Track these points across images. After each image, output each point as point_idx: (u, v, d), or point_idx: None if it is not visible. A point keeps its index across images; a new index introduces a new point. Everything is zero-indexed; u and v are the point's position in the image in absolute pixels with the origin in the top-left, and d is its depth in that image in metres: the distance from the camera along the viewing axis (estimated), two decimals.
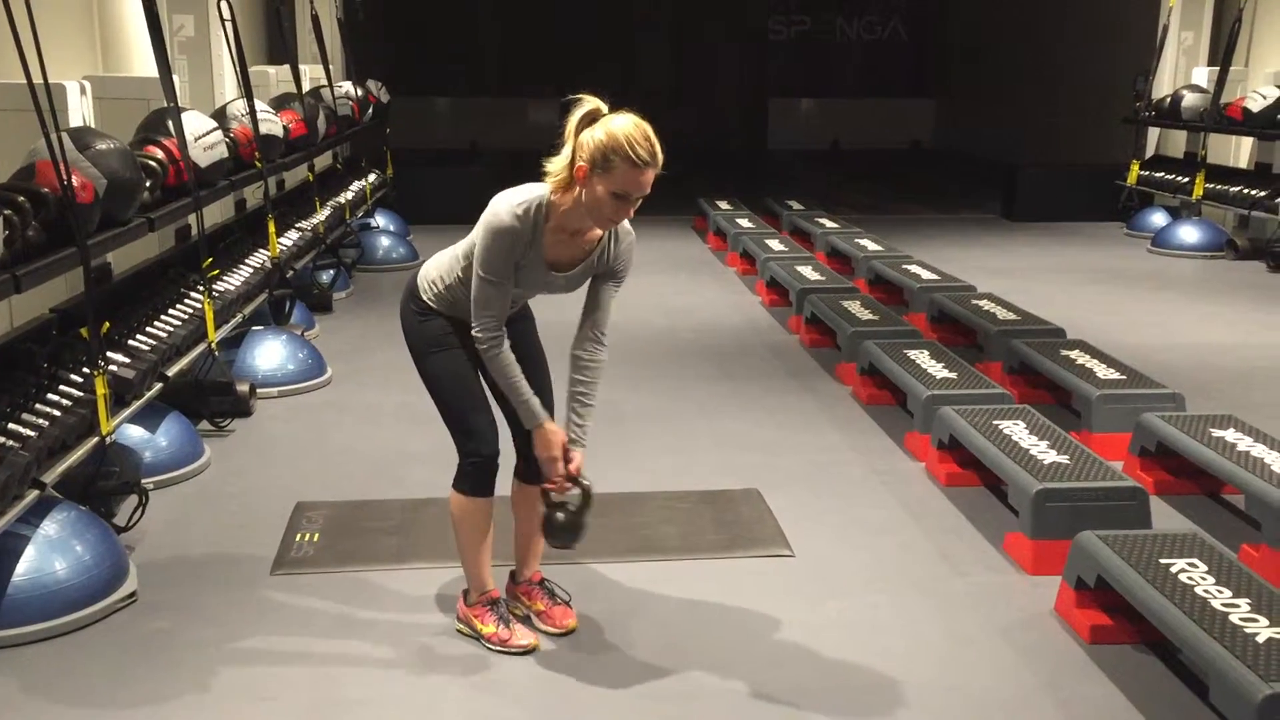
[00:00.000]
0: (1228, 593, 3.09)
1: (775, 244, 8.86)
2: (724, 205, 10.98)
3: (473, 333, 3.04)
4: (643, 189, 2.88)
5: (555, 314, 3.52)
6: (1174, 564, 3.25)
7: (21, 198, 3.67)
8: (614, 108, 2.92)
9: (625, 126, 2.85)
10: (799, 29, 20.23)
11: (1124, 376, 5.16)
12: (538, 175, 3.07)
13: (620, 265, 3.13)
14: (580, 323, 3.16)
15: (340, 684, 3.09)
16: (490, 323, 3.02)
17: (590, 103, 2.91)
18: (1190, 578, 3.18)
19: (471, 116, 18.57)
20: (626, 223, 3.06)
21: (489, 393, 3.22)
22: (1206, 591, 3.10)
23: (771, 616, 3.47)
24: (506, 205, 2.95)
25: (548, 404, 3.24)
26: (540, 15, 19.16)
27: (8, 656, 3.18)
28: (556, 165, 2.95)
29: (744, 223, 10.00)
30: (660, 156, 2.87)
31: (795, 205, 11.17)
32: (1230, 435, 4.33)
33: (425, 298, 3.17)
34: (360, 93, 10.04)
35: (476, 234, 3.01)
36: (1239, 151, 10.89)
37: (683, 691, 3.06)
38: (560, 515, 3.13)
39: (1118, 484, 3.89)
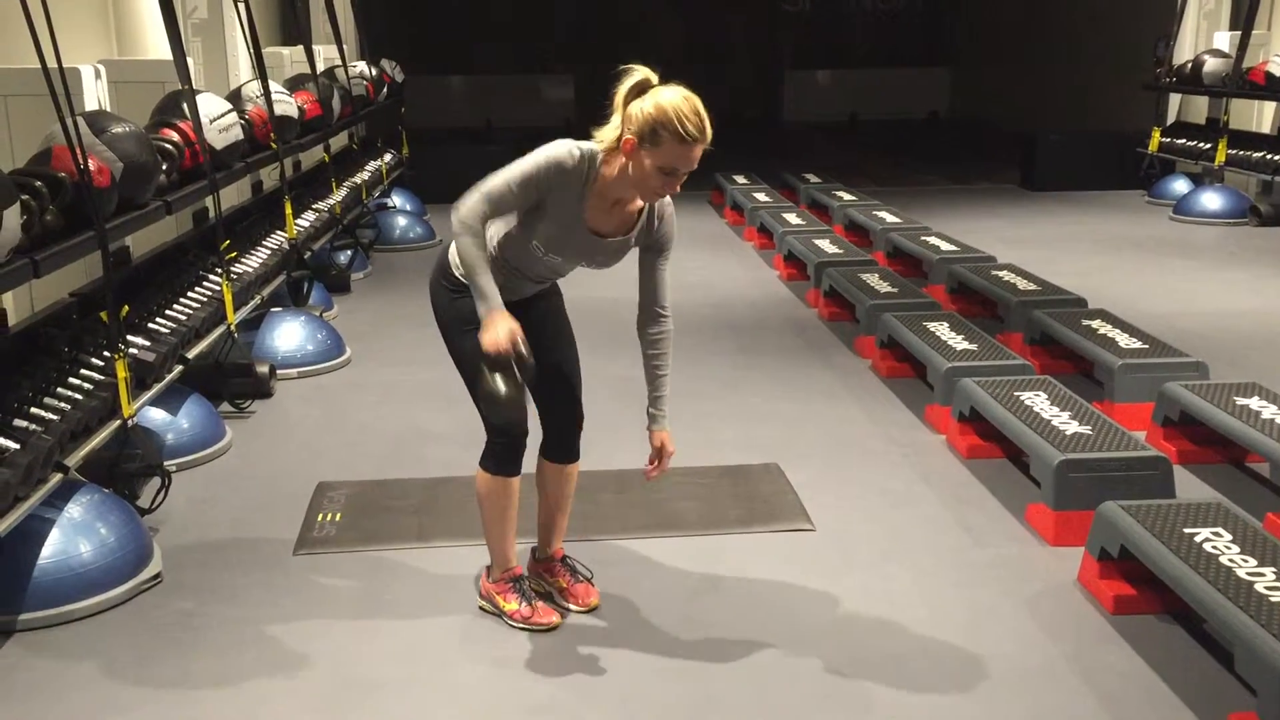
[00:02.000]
0: (1253, 561, 3.07)
1: (793, 218, 8.82)
2: (741, 179, 10.94)
3: (453, 210, 2.91)
4: (690, 164, 2.85)
5: (582, 291, 3.51)
6: (1198, 533, 3.23)
7: (39, 183, 3.68)
8: (663, 79, 2.88)
9: (674, 100, 2.81)
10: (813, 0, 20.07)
11: (1146, 346, 5.12)
12: None
13: (664, 238, 3.09)
14: (640, 302, 3.13)
15: (364, 663, 3.10)
16: (476, 208, 2.89)
17: (640, 73, 2.87)
18: (1215, 547, 3.16)
19: (486, 95, 18.51)
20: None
21: (518, 372, 3.20)
22: (1231, 560, 3.08)
23: (793, 590, 3.47)
24: (567, 144, 2.91)
25: (576, 386, 3.24)
26: None
27: (35, 639, 3.21)
28: (605, 134, 2.91)
29: (761, 197, 9.95)
30: (709, 132, 2.83)
31: (812, 178, 11.11)
32: (1255, 403, 4.29)
33: (458, 274, 3.14)
34: (375, 72, 10.02)
35: (520, 161, 2.93)
36: (1262, 117, 10.76)
37: (705, 667, 3.06)
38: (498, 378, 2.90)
39: (1141, 454, 3.86)
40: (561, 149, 2.91)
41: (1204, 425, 4.35)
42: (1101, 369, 5.04)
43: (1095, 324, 5.44)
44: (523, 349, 2.88)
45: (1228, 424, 4.18)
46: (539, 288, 3.18)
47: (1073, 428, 4.07)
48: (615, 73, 2.89)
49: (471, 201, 2.92)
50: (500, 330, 2.85)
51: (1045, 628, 3.25)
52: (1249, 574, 3.00)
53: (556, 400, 3.27)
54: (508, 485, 3.21)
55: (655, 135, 2.81)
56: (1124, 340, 5.19)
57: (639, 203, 3.01)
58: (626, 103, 2.86)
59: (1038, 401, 4.34)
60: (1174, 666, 3.04)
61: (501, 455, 3.18)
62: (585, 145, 2.94)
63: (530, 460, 3.27)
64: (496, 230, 3.09)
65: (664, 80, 2.88)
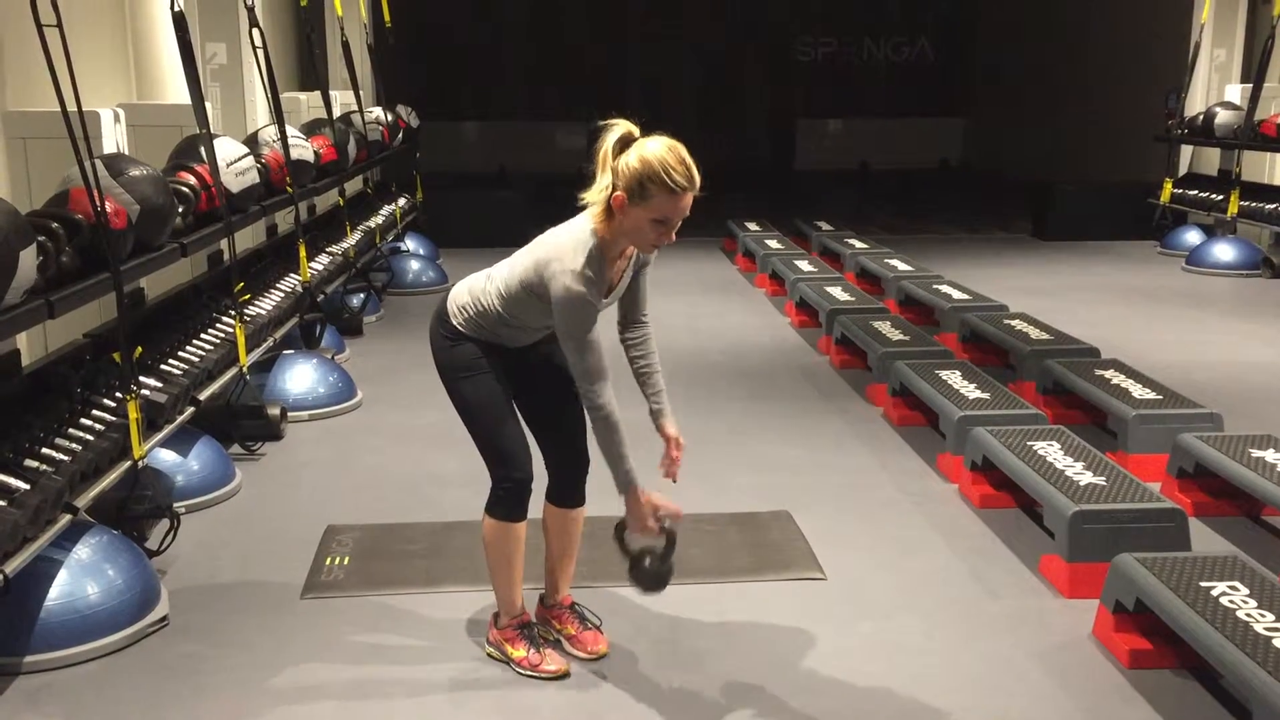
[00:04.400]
0: (1270, 617, 3.03)
1: (804, 265, 8.84)
2: (753, 226, 10.97)
3: (585, 404, 2.93)
4: (681, 213, 2.86)
5: None
6: (1215, 587, 3.20)
7: (56, 224, 3.71)
8: (645, 130, 2.89)
9: (659, 152, 2.81)
10: (826, 50, 20.24)
11: (1160, 396, 5.09)
12: (567, 200, 3.05)
13: (648, 255, 3.09)
14: (621, 313, 3.16)
15: (370, 708, 3.07)
16: (601, 388, 2.90)
17: (622, 126, 2.87)
18: (1232, 601, 3.12)
19: (500, 141, 18.67)
20: None
21: (521, 417, 3.21)
22: (1249, 615, 3.04)
23: (803, 640, 3.43)
24: (573, 275, 2.83)
25: (580, 430, 3.22)
26: (569, 40, 19.28)
27: (39, 681, 3.19)
28: (594, 195, 2.89)
29: (773, 244, 9.98)
30: (698, 179, 2.84)
31: (824, 226, 11.14)
32: (1270, 455, 4.26)
33: (455, 322, 3.16)
34: (390, 118, 10.11)
35: (556, 313, 2.89)
36: (1274, 169, 10.78)
37: (714, 717, 3.02)
38: (648, 562, 3.05)
39: (1156, 505, 3.83)
40: (576, 285, 2.83)
41: (1219, 477, 4.32)
42: (1115, 419, 5.01)
43: (1109, 374, 5.42)
44: (667, 522, 3.01)
45: (1244, 476, 4.15)
46: (541, 335, 3.18)
47: (1087, 478, 4.04)
48: (595, 129, 2.88)
49: (600, 386, 2.90)
50: (646, 512, 2.98)
51: (1060, 682, 3.20)
52: (1267, 629, 2.96)
53: (560, 444, 3.26)
54: (514, 531, 3.19)
55: (643, 189, 2.80)
56: (1138, 391, 5.16)
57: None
58: (614, 157, 2.84)
59: (1051, 451, 4.31)
60: None
61: (507, 501, 3.17)
62: (579, 246, 2.87)
63: (536, 506, 3.26)
64: (485, 288, 3.09)
65: (648, 131, 2.87)
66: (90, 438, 3.71)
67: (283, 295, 6.01)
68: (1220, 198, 10.36)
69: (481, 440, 3.17)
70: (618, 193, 2.83)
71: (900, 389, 5.58)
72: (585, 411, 2.98)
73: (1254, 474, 4.11)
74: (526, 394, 3.21)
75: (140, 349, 4.20)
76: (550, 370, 3.21)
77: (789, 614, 3.59)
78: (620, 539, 3.10)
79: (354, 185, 9.11)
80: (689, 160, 2.83)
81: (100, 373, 4.09)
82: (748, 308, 8.61)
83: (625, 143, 2.86)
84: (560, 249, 2.91)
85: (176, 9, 4.82)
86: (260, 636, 3.46)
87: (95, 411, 3.88)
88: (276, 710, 3.06)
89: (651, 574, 3.06)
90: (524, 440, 3.17)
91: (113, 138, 5.01)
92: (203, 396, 4.52)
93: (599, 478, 3.33)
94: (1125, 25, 14.70)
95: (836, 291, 7.64)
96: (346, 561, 3.97)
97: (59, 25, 3.57)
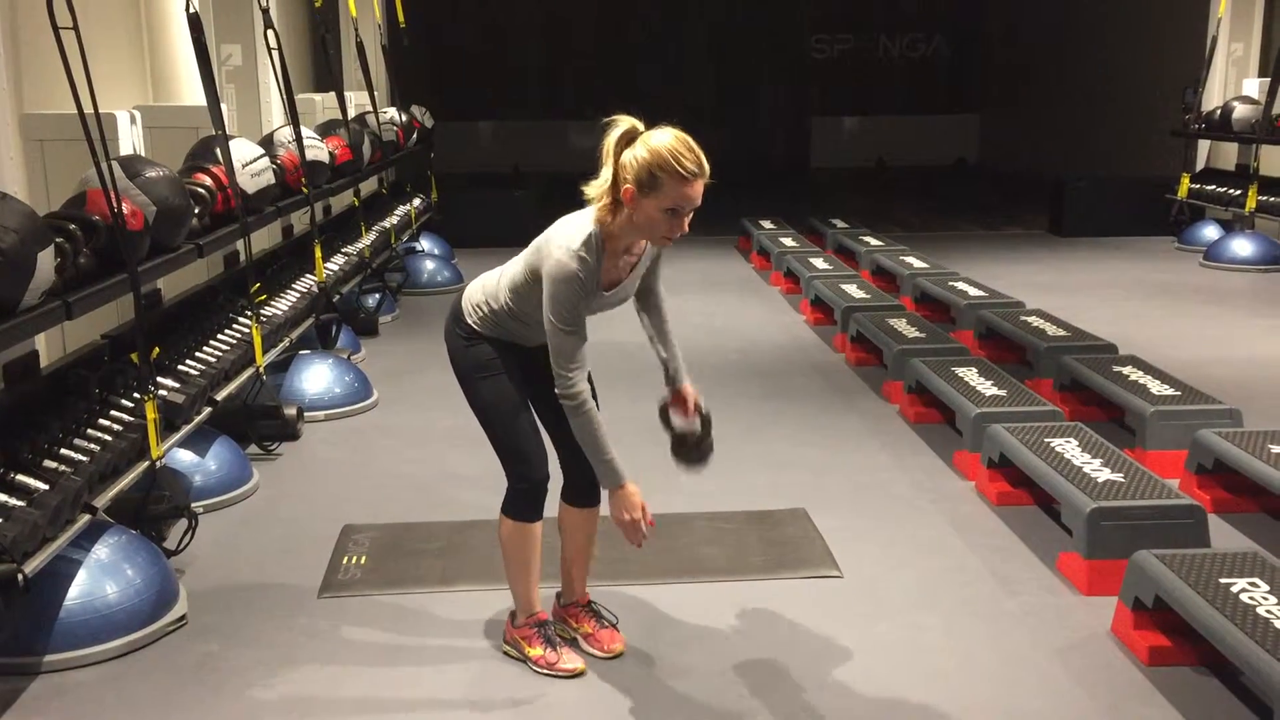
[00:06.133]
0: None
1: (820, 262, 8.82)
2: (767, 224, 10.95)
3: (557, 390, 2.93)
4: (694, 201, 2.86)
5: (601, 334, 3.51)
6: (1235, 584, 3.18)
7: (73, 225, 3.73)
8: (649, 125, 2.90)
9: (667, 141, 2.82)
10: (842, 47, 20.19)
11: (1179, 392, 5.06)
12: (580, 198, 3.05)
13: (659, 250, 3.12)
14: (637, 298, 3.21)
15: (386, 708, 3.08)
16: (576, 375, 2.91)
17: (626, 122, 2.88)
18: (1252, 598, 3.10)
19: (514, 140, 18.70)
20: None
21: (536, 417, 3.21)
22: (1269, 612, 3.02)
23: (820, 638, 3.42)
24: (567, 251, 2.86)
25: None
26: (581, 39, 19.29)
27: (59, 680, 3.21)
28: (598, 189, 2.91)
29: (788, 242, 9.96)
30: (706, 165, 2.85)
31: (839, 223, 11.12)
32: None
33: (470, 321, 3.16)
34: (404, 118, 10.13)
35: (545, 288, 2.90)
36: None
37: (731, 715, 3.02)
38: (690, 441, 3.22)
39: (1174, 502, 3.81)
40: (568, 261, 2.85)
41: (1238, 473, 4.29)
42: (1133, 416, 4.99)
43: (1126, 370, 5.39)
44: (645, 525, 3.05)
45: (1263, 472, 4.12)
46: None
47: (1105, 475, 4.02)
48: (600, 125, 2.90)
49: (573, 372, 2.91)
50: (632, 508, 3.00)
51: (1078, 680, 3.19)
52: None
53: (576, 444, 3.26)
54: (530, 531, 3.20)
55: (654, 179, 2.81)
56: (1156, 387, 5.13)
57: (644, 242, 3.02)
58: (617, 153, 2.86)
59: (1068, 448, 4.29)
60: None
61: (523, 501, 3.17)
62: (580, 231, 2.90)
63: (552, 505, 3.26)
64: (498, 288, 3.10)
65: (651, 126, 2.89)
66: (109, 438, 3.72)
67: (299, 296, 6.03)
68: (1238, 192, 10.30)
69: (497, 440, 3.17)
70: (627, 186, 2.84)
71: (916, 386, 5.56)
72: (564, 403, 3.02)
73: (1274, 470, 4.09)
74: (542, 393, 3.21)
75: (158, 350, 4.22)
76: None
77: (805, 612, 3.59)
78: (665, 419, 3.28)
79: (369, 186, 9.13)
80: (696, 148, 2.84)
81: (118, 373, 4.11)
82: (763, 306, 8.60)
83: (629, 138, 2.87)
84: (561, 232, 2.94)
85: (192, 11, 4.84)
86: (278, 635, 3.47)
87: (113, 412, 3.89)
88: (294, 709, 3.07)
89: (692, 451, 3.25)
90: (540, 440, 3.17)
91: (129, 139, 5.03)
92: (220, 397, 4.54)
93: None
94: (1141, 20, 14.62)
95: (852, 289, 7.62)
96: (363, 561, 3.98)
97: (75, 28, 3.59)
